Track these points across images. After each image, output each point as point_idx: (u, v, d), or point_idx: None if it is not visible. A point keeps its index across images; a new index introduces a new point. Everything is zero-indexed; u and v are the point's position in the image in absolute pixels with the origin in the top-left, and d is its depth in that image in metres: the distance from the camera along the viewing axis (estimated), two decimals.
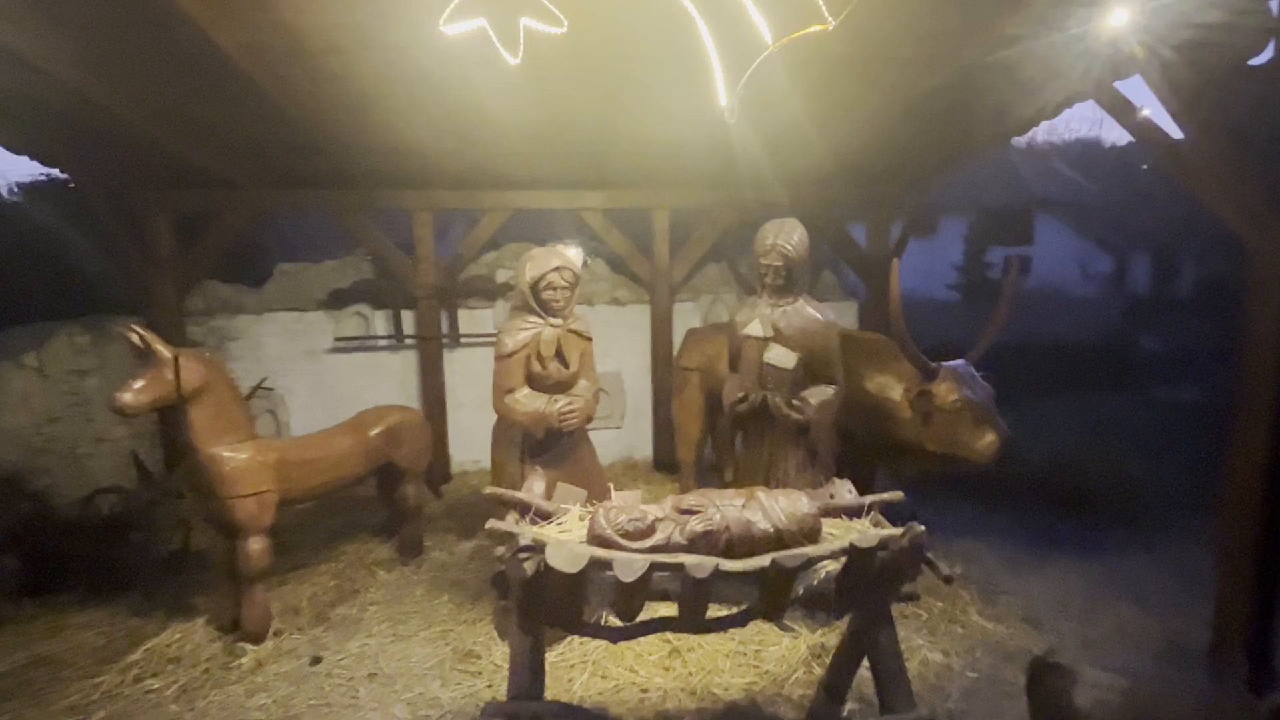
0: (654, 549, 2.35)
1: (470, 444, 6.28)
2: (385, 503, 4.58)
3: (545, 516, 2.68)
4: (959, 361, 3.97)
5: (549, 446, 3.54)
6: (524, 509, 2.66)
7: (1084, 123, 30.07)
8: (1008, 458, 3.82)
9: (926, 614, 3.80)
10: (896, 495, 2.73)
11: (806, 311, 3.68)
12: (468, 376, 6.28)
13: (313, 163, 5.07)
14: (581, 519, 2.62)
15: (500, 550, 2.25)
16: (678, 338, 6.17)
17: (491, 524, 2.30)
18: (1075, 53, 3.12)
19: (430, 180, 5.65)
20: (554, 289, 3.48)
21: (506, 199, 5.98)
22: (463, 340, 6.25)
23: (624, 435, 6.84)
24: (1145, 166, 16.12)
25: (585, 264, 6.60)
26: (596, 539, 2.37)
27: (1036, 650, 3.37)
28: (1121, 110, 3.47)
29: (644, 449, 6.86)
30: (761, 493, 2.54)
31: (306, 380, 6.01)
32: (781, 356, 3.59)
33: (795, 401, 3.58)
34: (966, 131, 4.98)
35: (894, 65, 3.72)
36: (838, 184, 6.19)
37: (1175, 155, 3.15)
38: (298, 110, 4.10)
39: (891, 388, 4.19)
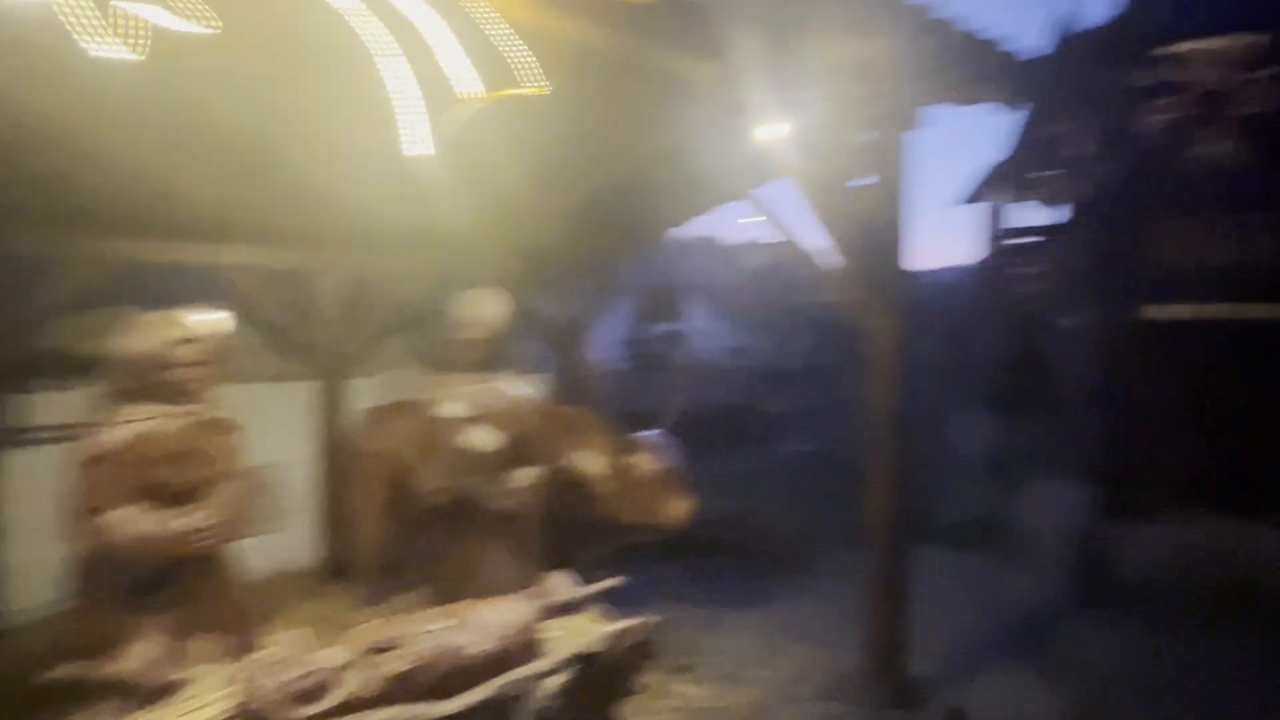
0: (336, 711, 1.77)
1: (43, 584, 4.46)
2: None
3: (162, 693, 1.86)
4: (652, 431, 4.13)
5: (167, 581, 2.59)
6: (126, 690, 1.82)
7: (710, 223, 36.47)
8: (696, 520, 4.04)
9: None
10: (616, 582, 2.58)
11: (508, 388, 3.44)
12: (40, 485, 4.52)
13: None
14: (226, 686, 1.89)
15: None
16: (356, 420, 5.35)
17: None
18: (738, 156, 3.59)
19: None
20: (178, 366, 2.64)
21: (116, 248, 4.59)
22: (30, 436, 4.51)
23: (284, 540, 5.61)
24: (752, 264, 20.14)
25: (227, 334, 5.40)
26: (250, 715, 1.70)
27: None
28: (761, 212, 4.17)
29: (311, 555, 5.72)
30: (469, 607, 2.15)
31: None
32: (482, 438, 3.26)
33: (499, 488, 3.26)
34: (651, 218, 5.43)
35: (599, 148, 3.83)
36: (534, 256, 6.19)
37: (806, 253, 3.80)
38: None
39: (591, 462, 4.16)
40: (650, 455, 3.83)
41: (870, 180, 3.59)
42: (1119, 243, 6.12)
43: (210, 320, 2.89)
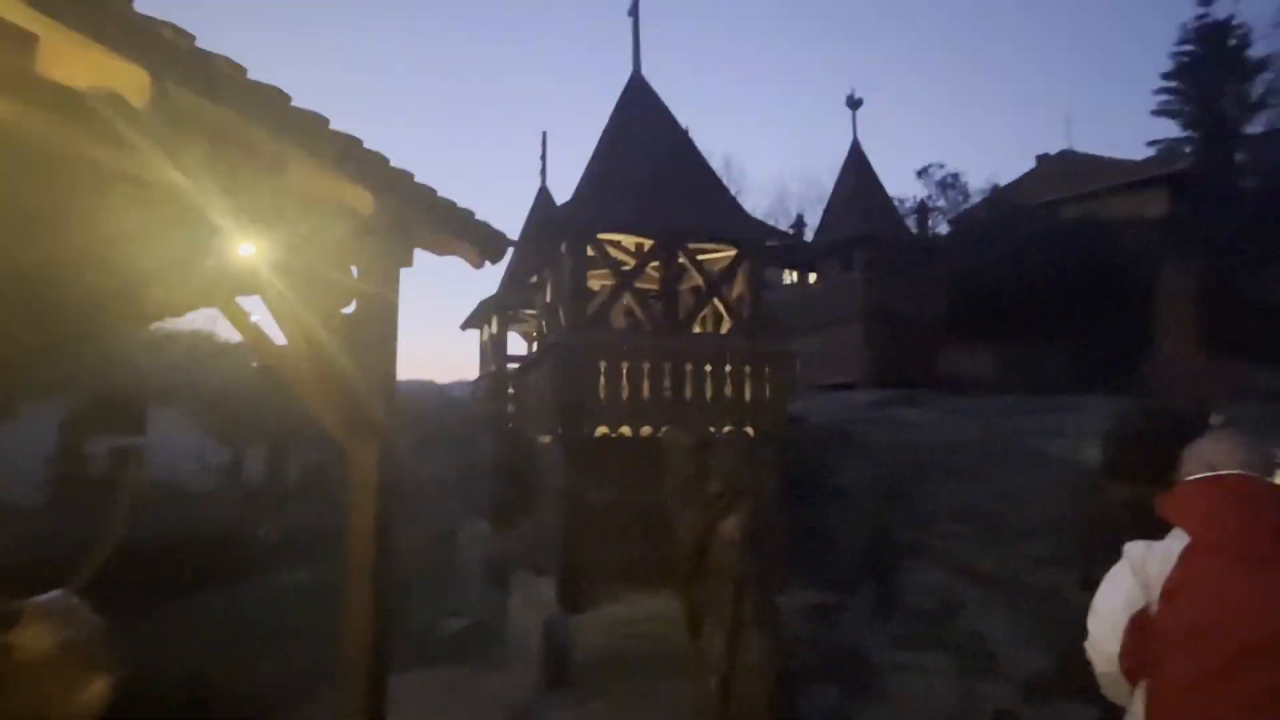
0: None
1: None
2: None
3: None
4: (55, 593, 3.16)
5: None
6: None
7: (202, 317, 31.13)
8: (126, 696, 3.20)
9: None
10: None
11: None
12: None
13: None
14: None
15: None
16: None
17: None
18: (209, 264, 3.27)
19: None
20: None
21: None
22: None
23: None
24: (255, 364, 17.90)
25: None
26: None
27: None
28: (242, 322, 3.87)
29: None
30: None
31: None
32: None
33: None
34: (92, 311, 4.38)
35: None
36: None
37: (288, 369, 3.65)
38: None
39: None
40: (45, 627, 2.90)
41: (362, 307, 3.72)
42: (572, 373, 7.70)
43: None
